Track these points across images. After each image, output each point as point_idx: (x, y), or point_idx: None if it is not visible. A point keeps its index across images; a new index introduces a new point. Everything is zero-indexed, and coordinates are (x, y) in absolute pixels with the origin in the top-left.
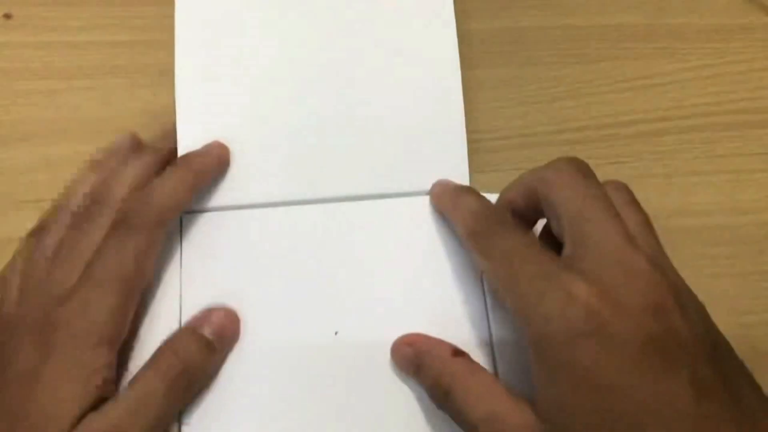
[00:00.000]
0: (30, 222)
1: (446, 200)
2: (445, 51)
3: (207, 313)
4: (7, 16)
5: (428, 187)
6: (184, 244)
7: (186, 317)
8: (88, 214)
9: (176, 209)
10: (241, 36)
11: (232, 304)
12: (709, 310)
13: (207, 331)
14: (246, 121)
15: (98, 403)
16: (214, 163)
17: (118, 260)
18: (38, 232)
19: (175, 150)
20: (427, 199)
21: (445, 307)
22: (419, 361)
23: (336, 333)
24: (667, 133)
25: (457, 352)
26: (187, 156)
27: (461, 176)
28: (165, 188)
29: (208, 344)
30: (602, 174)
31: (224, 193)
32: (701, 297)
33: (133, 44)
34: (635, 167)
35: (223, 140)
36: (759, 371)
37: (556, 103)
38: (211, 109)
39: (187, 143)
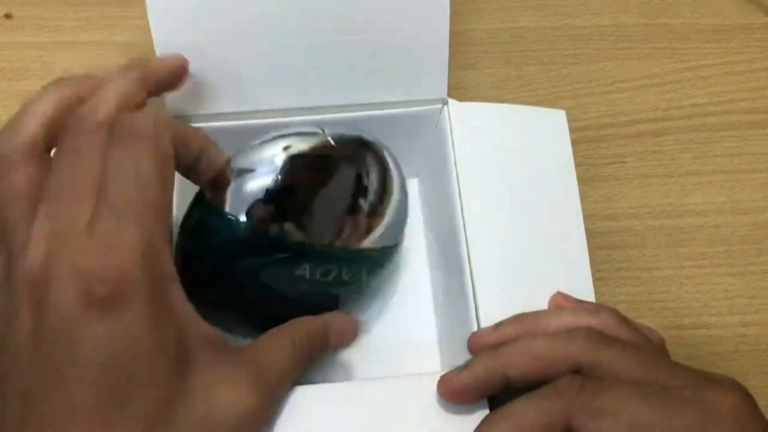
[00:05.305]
0: None
1: None
2: None
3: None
4: (8, 16)
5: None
6: None
7: None
8: (74, 136)
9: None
10: None
11: None
12: (708, 309)
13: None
14: (226, 26)
15: None
16: (171, 66)
17: (136, 180)
18: None
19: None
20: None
21: None
22: None
23: None
24: (667, 133)
25: None
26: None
27: (440, 83)
28: (114, 86)
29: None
30: (602, 174)
31: (208, 102)
32: (700, 296)
33: (132, 44)
34: (635, 167)
35: (202, 49)
36: (759, 370)
37: (556, 103)
38: (187, 15)
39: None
